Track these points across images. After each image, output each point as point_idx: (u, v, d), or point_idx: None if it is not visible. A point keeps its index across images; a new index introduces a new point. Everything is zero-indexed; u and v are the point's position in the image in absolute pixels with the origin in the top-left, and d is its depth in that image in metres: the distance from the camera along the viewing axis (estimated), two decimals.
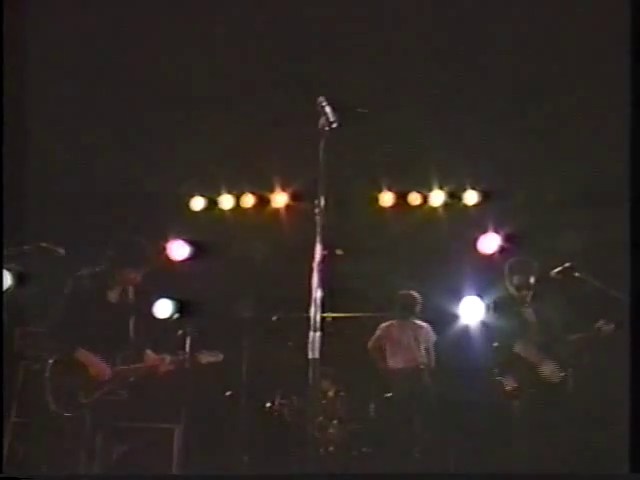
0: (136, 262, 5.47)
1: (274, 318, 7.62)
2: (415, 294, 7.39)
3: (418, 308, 7.38)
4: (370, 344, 7.39)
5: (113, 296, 5.47)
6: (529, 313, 6.06)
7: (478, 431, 6.48)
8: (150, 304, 6.68)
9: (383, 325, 7.41)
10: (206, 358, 5.82)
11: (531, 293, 6.06)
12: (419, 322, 7.38)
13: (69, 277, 5.45)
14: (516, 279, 6.07)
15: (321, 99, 3.95)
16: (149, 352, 5.49)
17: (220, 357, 5.88)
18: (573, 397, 5.79)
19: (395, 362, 7.23)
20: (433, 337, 7.35)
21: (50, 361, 5.17)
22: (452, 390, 7.02)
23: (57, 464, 5.24)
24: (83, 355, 5.19)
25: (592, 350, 5.90)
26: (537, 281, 6.05)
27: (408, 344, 7.25)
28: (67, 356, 5.18)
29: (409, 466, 6.54)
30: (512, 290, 6.11)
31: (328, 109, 3.92)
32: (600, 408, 5.75)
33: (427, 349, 7.29)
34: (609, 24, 5.66)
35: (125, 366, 5.31)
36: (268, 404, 7.09)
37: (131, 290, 5.56)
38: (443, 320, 7.46)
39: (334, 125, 3.92)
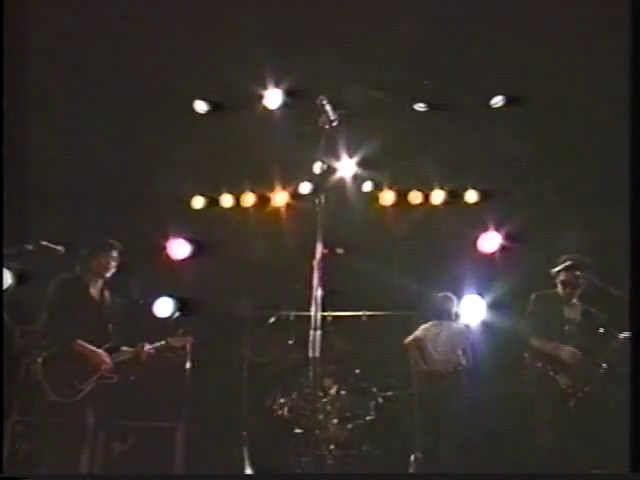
0: (107, 262, 5.70)
1: (274, 317, 7.62)
2: (452, 296, 7.28)
3: (454, 310, 7.27)
4: (407, 342, 7.20)
5: (95, 293, 5.67)
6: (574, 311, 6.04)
7: (479, 431, 6.48)
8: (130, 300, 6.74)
9: (423, 326, 7.26)
10: (178, 342, 5.99)
11: (578, 291, 6.00)
12: (455, 324, 7.26)
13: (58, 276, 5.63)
14: (562, 275, 6.04)
15: (321, 97, 3.96)
16: (125, 348, 5.64)
17: (190, 340, 6.08)
18: (573, 397, 5.77)
19: (430, 364, 7.07)
20: (469, 338, 7.22)
21: (44, 354, 5.33)
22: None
23: (58, 462, 5.25)
24: (80, 346, 5.36)
25: (592, 349, 5.88)
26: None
27: (444, 346, 7.11)
28: (64, 348, 5.32)
29: (409, 465, 6.53)
30: (559, 288, 6.09)
31: (328, 107, 3.92)
32: (600, 408, 5.73)
33: (464, 350, 7.13)
34: (609, 24, 5.66)
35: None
36: (269, 402, 7.10)
37: (111, 287, 5.77)
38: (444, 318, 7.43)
39: (334, 124, 3.92)
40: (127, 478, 5.47)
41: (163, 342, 5.85)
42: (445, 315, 7.24)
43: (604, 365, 5.81)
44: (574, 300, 6.03)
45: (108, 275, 5.74)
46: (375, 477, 5.86)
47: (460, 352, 7.09)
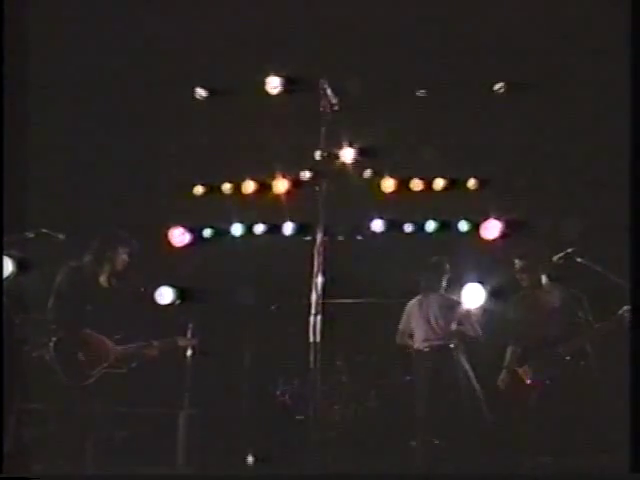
0: (118, 252, 5.66)
1: (275, 304, 7.62)
2: (446, 263, 6.78)
3: (446, 280, 6.79)
4: (400, 327, 6.89)
5: (103, 281, 5.63)
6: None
7: (478, 424, 6.48)
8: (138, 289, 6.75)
9: (410, 303, 6.91)
10: (184, 342, 6.07)
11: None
12: (451, 296, 6.78)
13: (67, 264, 5.58)
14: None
15: (322, 81, 3.94)
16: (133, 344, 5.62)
17: (194, 341, 6.14)
18: (572, 396, 5.75)
19: (419, 342, 6.69)
20: (471, 311, 6.60)
21: (54, 339, 5.31)
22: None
23: (61, 449, 5.27)
24: (86, 334, 5.35)
25: (591, 345, 5.86)
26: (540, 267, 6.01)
27: (432, 321, 6.68)
28: (71, 336, 5.32)
29: (410, 452, 6.55)
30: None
31: (329, 92, 3.91)
32: (600, 407, 5.71)
33: (460, 325, 6.60)
34: (610, 11, 5.65)
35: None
36: (270, 389, 7.11)
37: (121, 276, 5.73)
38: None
39: (335, 108, 3.91)
40: (127, 478, 5.46)
41: (169, 340, 5.88)
42: (434, 285, 6.78)
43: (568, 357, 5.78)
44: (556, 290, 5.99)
45: (120, 269, 5.72)
46: (375, 477, 5.85)
47: (454, 327, 6.60)
